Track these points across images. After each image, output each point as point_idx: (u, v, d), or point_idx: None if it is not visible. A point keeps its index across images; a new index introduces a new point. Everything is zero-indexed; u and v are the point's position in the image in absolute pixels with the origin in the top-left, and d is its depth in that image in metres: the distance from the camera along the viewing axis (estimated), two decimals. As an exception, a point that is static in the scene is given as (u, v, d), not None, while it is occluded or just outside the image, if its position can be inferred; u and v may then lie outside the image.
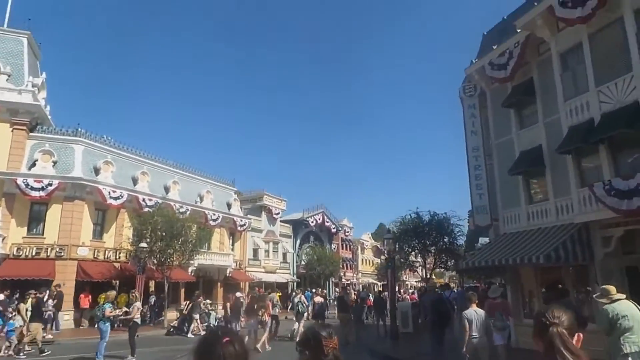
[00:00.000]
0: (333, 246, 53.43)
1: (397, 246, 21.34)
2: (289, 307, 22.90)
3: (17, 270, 21.03)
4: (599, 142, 11.31)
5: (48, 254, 22.99)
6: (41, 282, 20.18)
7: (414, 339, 16.37)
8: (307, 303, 17.01)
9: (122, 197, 25.85)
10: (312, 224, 48.65)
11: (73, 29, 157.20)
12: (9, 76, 24.31)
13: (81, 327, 21.97)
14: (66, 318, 21.68)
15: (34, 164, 23.66)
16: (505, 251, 13.27)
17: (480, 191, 16.41)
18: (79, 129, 26.21)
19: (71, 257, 23.40)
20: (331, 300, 33.34)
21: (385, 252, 19.16)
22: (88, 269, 23.42)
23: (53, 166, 24.14)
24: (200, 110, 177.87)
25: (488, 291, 15.89)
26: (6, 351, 13.47)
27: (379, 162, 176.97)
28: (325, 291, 33.75)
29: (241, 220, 36.85)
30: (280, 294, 20.32)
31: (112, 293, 14.39)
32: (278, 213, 43.93)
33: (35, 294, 15.96)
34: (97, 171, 25.72)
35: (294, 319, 17.04)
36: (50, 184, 23.19)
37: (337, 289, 46.42)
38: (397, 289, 22.87)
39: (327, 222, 51.23)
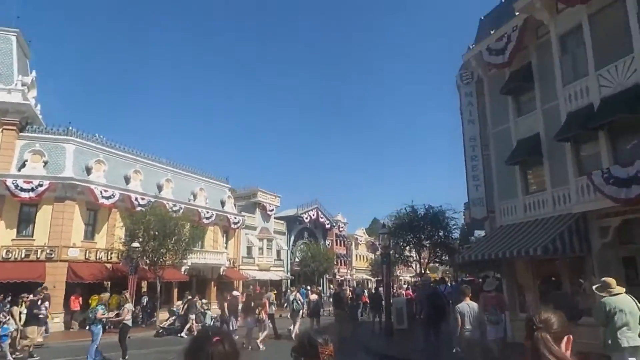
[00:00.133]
0: (327, 242, 53.13)
1: (392, 241, 21.08)
2: (285, 305, 22.63)
3: (6, 273, 20.56)
4: (599, 128, 10.99)
5: (38, 256, 22.55)
6: (31, 285, 19.71)
7: (409, 336, 16.14)
8: (302, 300, 16.69)
9: (114, 196, 25.41)
10: (306, 220, 48.32)
11: (67, 25, 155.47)
12: (-3, 75, 23.76)
13: (71, 330, 21.54)
14: (56, 320, 21.23)
15: (23, 165, 23.18)
16: (502, 244, 12.96)
17: (477, 182, 16.10)
18: (70, 128, 25.70)
19: (62, 259, 22.97)
20: (325, 297, 33.08)
21: (380, 247, 18.91)
22: (79, 270, 22.99)
23: (43, 166, 23.67)
24: (195, 106, 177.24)
25: (483, 284, 15.74)
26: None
27: (373, 155, 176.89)
28: (319, 288, 33.53)
29: (235, 218, 36.46)
30: (276, 292, 20.09)
31: (106, 295, 14.08)
32: (272, 209, 43.58)
33: (28, 297, 15.60)
34: (88, 170, 25.25)
35: (289, 317, 16.74)
36: (40, 185, 22.72)
37: (331, 286, 46.22)
38: (391, 285, 22.63)
39: (322, 217, 50.91)
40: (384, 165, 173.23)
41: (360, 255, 65.11)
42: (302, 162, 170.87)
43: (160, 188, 29.67)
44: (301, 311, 16.19)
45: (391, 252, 19.58)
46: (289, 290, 22.27)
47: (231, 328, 15.64)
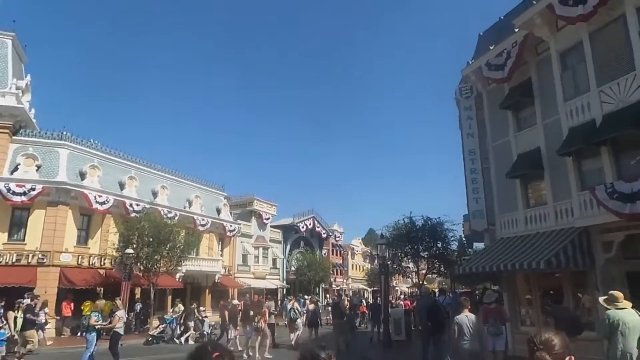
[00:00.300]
0: (323, 251, 52.96)
1: (390, 252, 20.99)
2: (283, 315, 22.47)
3: (-4, 278, 20.18)
4: (601, 144, 11.02)
5: (29, 261, 22.18)
6: (22, 290, 19.39)
7: (407, 347, 16.09)
8: (300, 310, 16.50)
9: (108, 202, 25.16)
10: (302, 229, 48.15)
11: (66, 29, 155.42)
12: (-9, 78, 23.56)
13: (63, 336, 21.14)
14: (48, 326, 20.74)
15: (16, 168, 22.90)
16: (503, 256, 12.90)
17: (477, 195, 16.09)
18: (65, 133, 25.50)
19: (54, 264, 22.64)
20: (323, 307, 32.80)
21: (376, 258, 18.83)
22: (71, 275, 22.67)
23: (36, 170, 23.43)
24: (192, 113, 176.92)
25: (482, 297, 15.67)
26: None
27: (370, 165, 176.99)
28: (316, 297, 33.27)
29: (231, 226, 36.23)
30: (272, 301, 19.92)
31: (101, 302, 13.82)
32: (268, 218, 43.36)
33: (23, 302, 15.43)
34: (82, 176, 25.02)
35: (286, 325, 16.52)
36: (33, 189, 22.46)
37: (327, 295, 45.92)
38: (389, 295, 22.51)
39: (318, 227, 50.76)
40: (381, 175, 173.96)
41: (356, 265, 64.93)
42: (299, 171, 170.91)
43: (155, 194, 29.45)
44: (299, 320, 15.99)
45: (389, 262, 19.48)
46: (286, 299, 22.08)
47: (229, 337, 15.58)
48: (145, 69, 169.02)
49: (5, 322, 13.83)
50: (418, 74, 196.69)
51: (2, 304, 16.66)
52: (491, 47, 15.40)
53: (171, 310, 22.04)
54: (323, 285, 48.85)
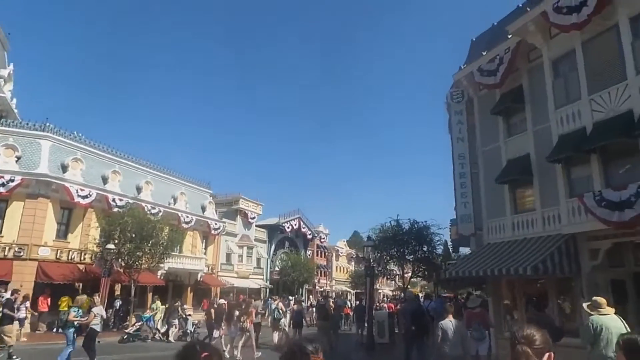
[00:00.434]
0: (308, 252, 52.77)
1: (376, 254, 20.92)
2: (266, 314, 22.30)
3: (-30, 271, 19.55)
4: (591, 152, 11.09)
5: (6, 254, 21.57)
6: (-3, 283, 18.80)
7: (390, 350, 16.10)
8: (284, 310, 16.35)
9: (90, 195, 24.59)
10: (287, 230, 47.88)
11: (66, 29, 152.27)
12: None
13: (38, 332, 20.52)
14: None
15: (-6, 159, 22.19)
16: (490, 262, 12.91)
17: (465, 199, 16.11)
18: (47, 124, 24.82)
19: (31, 258, 22.03)
20: (306, 308, 32.58)
21: (362, 260, 18.80)
22: (49, 270, 22.05)
23: (16, 161, 22.77)
24: (191, 112, 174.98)
25: (466, 301, 15.72)
26: None
27: (362, 167, 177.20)
28: (301, 298, 33.10)
29: (215, 224, 35.79)
30: (260, 300, 19.80)
31: (82, 297, 13.38)
32: (254, 217, 43.02)
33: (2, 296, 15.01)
34: (64, 168, 24.40)
35: (269, 326, 16.35)
36: (11, 180, 21.82)
37: (311, 296, 45.75)
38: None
39: (304, 227, 50.55)
40: (371, 177, 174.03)
41: (340, 267, 64.86)
42: (287, 171, 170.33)
43: (139, 190, 28.92)
44: (283, 320, 15.84)
45: (374, 265, 19.42)
46: (270, 300, 21.95)
47: (214, 336, 15.43)
48: (145, 68, 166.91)
49: None
50: (417, 74, 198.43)
51: None
52: (484, 53, 15.46)
53: (149, 308, 21.54)
54: (307, 286, 48.65)
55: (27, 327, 20.27)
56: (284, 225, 47.03)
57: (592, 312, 6.29)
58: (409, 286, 24.82)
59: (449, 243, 25.94)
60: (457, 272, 13.81)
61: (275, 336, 15.99)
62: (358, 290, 56.17)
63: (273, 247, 46.78)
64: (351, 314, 24.23)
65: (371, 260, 17.84)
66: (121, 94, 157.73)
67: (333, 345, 15.20)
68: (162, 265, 25.93)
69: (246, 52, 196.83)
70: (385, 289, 64.66)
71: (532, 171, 13.41)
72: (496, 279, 13.43)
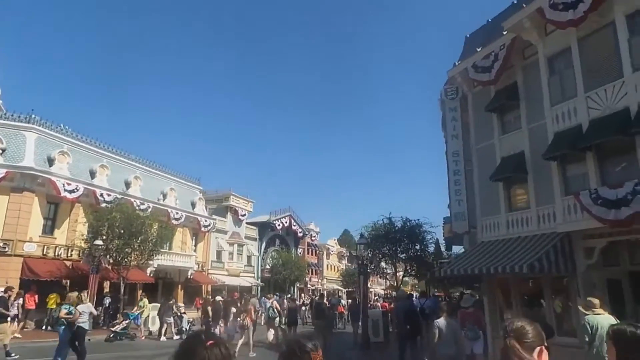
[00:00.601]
0: (299, 251, 52.58)
1: (368, 252, 20.80)
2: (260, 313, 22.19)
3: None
4: (587, 149, 11.00)
5: (-11, 250, 21.01)
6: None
7: (385, 348, 16.02)
8: (279, 309, 16.18)
9: (77, 190, 24.12)
10: (278, 227, 47.64)
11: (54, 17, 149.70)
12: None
13: (26, 329, 20.04)
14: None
15: (-23, 151, 21.65)
16: (485, 260, 12.79)
17: (459, 197, 15.99)
18: (33, 116, 24.27)
19: (16, 254, 21.56)
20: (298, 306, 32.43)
21: (355, 258, 18.70)
22: (35, 266, 21.60)
23: (1, 154, 22.22)
24: (172, 102, 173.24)
25: (460, 301, 15.68)
26: None
27: (349, 165, 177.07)
28: (295, 297, 32.96)
29: (206, 221, 35.41)
30: (256, 298, 19.61)
31: (74, 294, 13.06)
32: (244, 214, 42.68)
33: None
34: (51, 162, 23.89)
35: (263, 324, 16.20)
36: (-5, 173, 21.25)
37: (302, 294, 45.57)
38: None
39: (294, 225, 50.34)
40: (358, 176, 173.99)
41: (331, 265, 64.80)
42: (277, 166, 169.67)
43: (128, 185, 28.51)
44: (277, 319, 15.69)
45: (367, 263, 19.30)
46: (263, 297, 21.77)
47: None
48: (143, 53, 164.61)
49: None
50: (411, 72, 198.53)
51: None
52: (478, 49, 15.33)
53: (137, 306, 21.18)
54: (298, 285, 48.47)
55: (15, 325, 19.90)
56: (274, 223, 46.77)
57: (587, 312, 6.39)
58: (401, 285, 24.72)
59: (441, 241, 25.93)
60: (452, 271, 13.68)
61: (270, 335, 15.85)
62: (350, 289, 56.12)
63: (264, 244, 46.50)
64: (345, 312, 24.16)
65: (364, 259, 17.72)
66: (113, 80, 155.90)
67: (327, 343, 15.07)
68: (151, 262, 25.55)
69: (243, 44, 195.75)
70: (376, 287, 64.69)
71: (526, 169, 13.30)
72: (491, 277, 13.34)
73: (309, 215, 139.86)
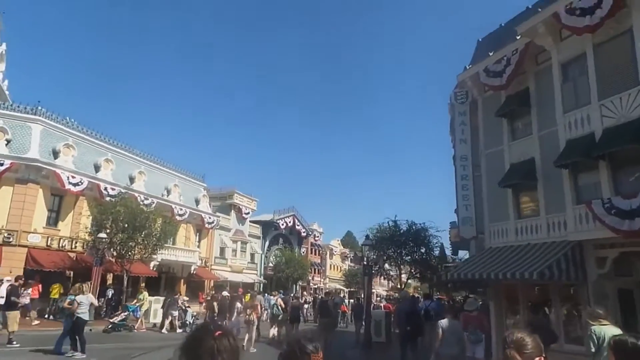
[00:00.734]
0: (302, 250, 52.58)
1: (373, 254, 20.72)
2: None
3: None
4: (600, 158, 10.83)
5: (-6, 240, 21.07)
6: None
7: (387, 349, 16.05)
8: (284, 306, 16.15)
9: (82, 183, 24.12)
10: (282, 227, 47.62)
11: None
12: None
13: (27, 318, 20.06)
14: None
15: (-17, 141, 21.68)
16: (494, 265, 12.66)
17: (467, 202, 15.84)
18: (39, 108, 24.26)
19: (20, 244, 21.63)
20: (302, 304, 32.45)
21: (360, 258, 18.64)
22: (39, 257, 21.66)
23: (6, 145, 22.24)
24: (181, 104, 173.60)
25: (464, 304, 15.58)
26: None
27: (353, 165, 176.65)
28: (298, 295, 32.92)
29: (209, 217, 35.40)
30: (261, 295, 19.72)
31: (79, 285, 13.06)
32: (248, 213, 42.67)
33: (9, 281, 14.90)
34: (56, 154, 23.90)
35: (268, 321, 16.21)
36: (1, 164, 21.30)
37: (304, 293, 45.58)
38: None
39: (298, 225, 50.32)
40: (362, 176, 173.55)
41: (334, 265, 64.88)
42: (281, 166, 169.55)
43: (132, 180, 28.49)
44: (282, 316, 15.69)
45: (372, 264, 19.22)
46: (266, 294, 21.78)
47: None
48: (146, 51, 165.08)
49: None
50: (416, 72, 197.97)
51: None
52: (490, 54, 15.16)
53: (136, 299, 21.16)
54: (300, 283, 48.46)
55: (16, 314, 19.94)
56: (278, 222, 46.77)
57: (593, 323, 6.30)
58: (405, 287, 24.62)
59: (447, 246, 25.80)
60: (459, 275, 13.56)
61: (273, 331, 15.86)
62: (352, 289, 56.08)
63: (267, 243, 46.49)
64: (348, 312, 24.08)
65: (368, 260, 17.64)
66: (117, 74, 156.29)
67: (328, 342, 15.03)
68: (155, 256, 25.55)
69: (243, 44, 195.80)
70: (379, 288, 64.60)
71: (536, 176, 13.15)
72: (499, 282, 13.19)
73: (313, 216, 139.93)
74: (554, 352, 9.60)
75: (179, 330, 18.47)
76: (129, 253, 22.34)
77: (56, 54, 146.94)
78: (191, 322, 19.21)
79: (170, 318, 18.68)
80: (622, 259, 10.48)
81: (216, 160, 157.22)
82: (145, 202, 26.83)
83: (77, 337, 11.59)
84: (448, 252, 27.20)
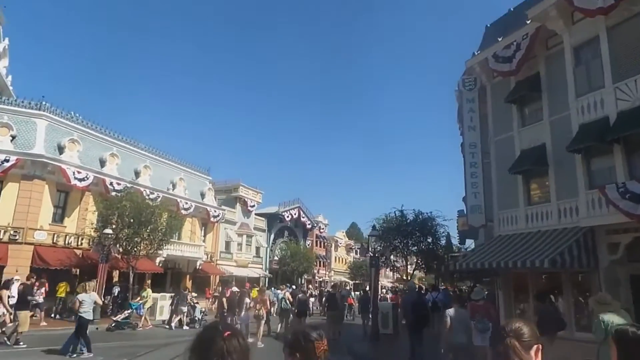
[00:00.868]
0: (307, 242, 52.47)
1: (380, 245, 20.58)
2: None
3: (-37, 254, 19.06)
4: (614, 142, 10.63)
5: (1, 237, 21.03)
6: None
7: (394, 340, 15.97)
8: (292, 300, 16.09)
9: (87, 178, 24.02)
10: (287, 219, 47.49)
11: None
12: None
13: (34, 317, 20.06)
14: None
15: (-12, 138, 21.56)
16: (503, 253, 12.52)
17: (476, 190, 15.67)
18: (44, 103, 24.09)
19: (27, 242, 21.50)
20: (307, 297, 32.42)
21: (367, 250, 18.53)
22: (45, 255, 21.56)
23: (11, 141, 22.12)
24: (183, 97, 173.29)
25: (471, 293, 15.51)
26: None
27: (357, 156, 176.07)
28: (305, 289, 32.93)
29: (215, 211, 35.31)
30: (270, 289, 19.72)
31: (91, 284, 13.03)
32: (253, 205, 42.53)
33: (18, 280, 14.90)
34: (61, 149, 23.78)
35: (276, 315, 16.14)
36: (6, 160, 21.18)
37: (310, 286, 45.59)
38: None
39: (303, 217, 50.17)
40: (366, 167, 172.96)
41: (339, 257, 64.81)
42: (286, 158, 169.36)
43: (137, 174, 28.38)
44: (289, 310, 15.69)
45: (378, 256, 19.11)
46: (273, 288, 21.70)
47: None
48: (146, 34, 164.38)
49: None
50: (421, 61, 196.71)
51: None
52: (499, 39, 14.91)
53: (140, 296, 21.11)
54: (306, 276, 48.42)
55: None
56: (283, 214, 46.63)
57: (599, 308, 6.37)
58: (411, 278, 24.50)
59: (454, 235, 25.64)
60: (468, 264, 13.41)
61: (279, 326, 15.78)
62: (357, 281, 56.05)
63: (272, 236, 46.40)
64: (355, 304, 24.02)
65: (375, 251, 17.54)
66: (121, 67, 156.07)
67: (336, 335, 14.98)
68: (160, 252, 25.48)
69: (242, 44, 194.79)
70: (384, 280, 64.60)
71: (547, 162, 12.97)
72: (508, 271, 13.05)
73: (318, 208, 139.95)
74: (564, 340, 9.49)
75: (185, 327, 18.39)
76: (135, 249, 22.28)
77: (58, 48, 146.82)
78: (200, 318, 19.17)
79: (180, 315, 18.64)
80: (635, 244, 10.31)
81: (221, 153, 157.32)
82: (151, 196, 26.70)
83: (75, 338, 11.39)
84: (455, 241, 27.07)
